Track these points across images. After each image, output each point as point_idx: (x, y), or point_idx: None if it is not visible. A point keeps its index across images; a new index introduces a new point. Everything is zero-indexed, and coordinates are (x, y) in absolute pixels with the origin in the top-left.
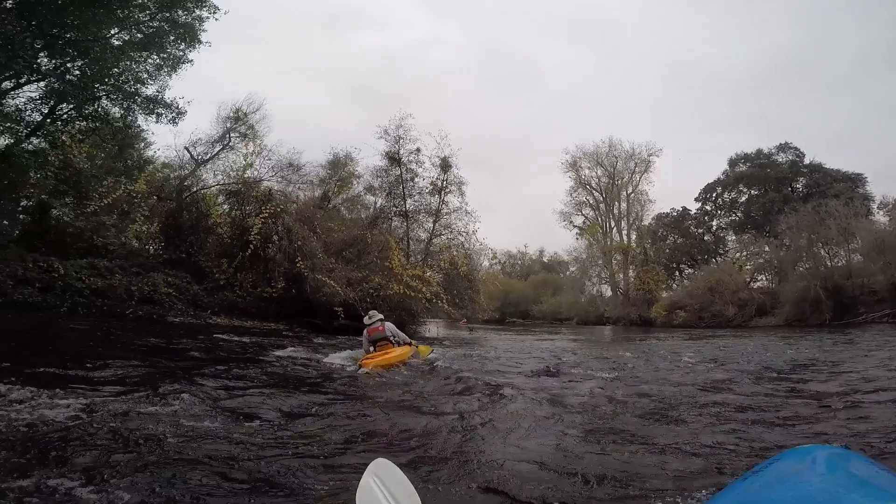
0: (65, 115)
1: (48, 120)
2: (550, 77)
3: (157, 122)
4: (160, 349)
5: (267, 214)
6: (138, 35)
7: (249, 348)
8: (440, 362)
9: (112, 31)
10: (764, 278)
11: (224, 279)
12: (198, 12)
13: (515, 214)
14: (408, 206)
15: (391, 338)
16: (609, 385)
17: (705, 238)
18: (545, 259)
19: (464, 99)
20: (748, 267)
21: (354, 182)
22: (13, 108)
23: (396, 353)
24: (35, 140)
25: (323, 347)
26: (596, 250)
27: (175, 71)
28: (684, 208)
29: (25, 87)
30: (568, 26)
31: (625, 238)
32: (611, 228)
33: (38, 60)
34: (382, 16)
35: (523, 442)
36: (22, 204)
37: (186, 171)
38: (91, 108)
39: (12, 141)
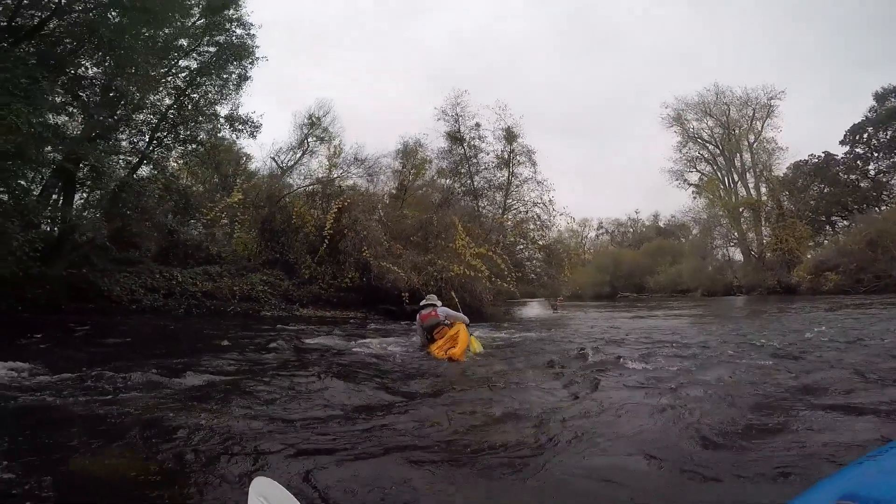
0: (165, 142)
1: (151, 148)
2: (640, 34)
3: (237, 137)
4: (205, 339)
5: (337, 209)
6: (194, 63)
7: (294, 336)
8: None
9: (173, 62)
10: None
11: (308, 273)
12: (238, 31)
13: (622, 181)
14: (475, 183)
15: (445, 321)
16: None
17: (861, 185)
18: (661, 224)
19: (551, 71)
20: None
21: (427, 167)
22: (126, 141)
23: (463, 333)
24: (147, 168)
25: (369, 335)
26: (718, 208)
27: (240, 88)
28: (827, 153)
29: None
30: None
31: (752, 192)
32: (734, 183)
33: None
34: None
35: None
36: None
37: (275, 179)
38: (185, 133)
39: (125, 172)
